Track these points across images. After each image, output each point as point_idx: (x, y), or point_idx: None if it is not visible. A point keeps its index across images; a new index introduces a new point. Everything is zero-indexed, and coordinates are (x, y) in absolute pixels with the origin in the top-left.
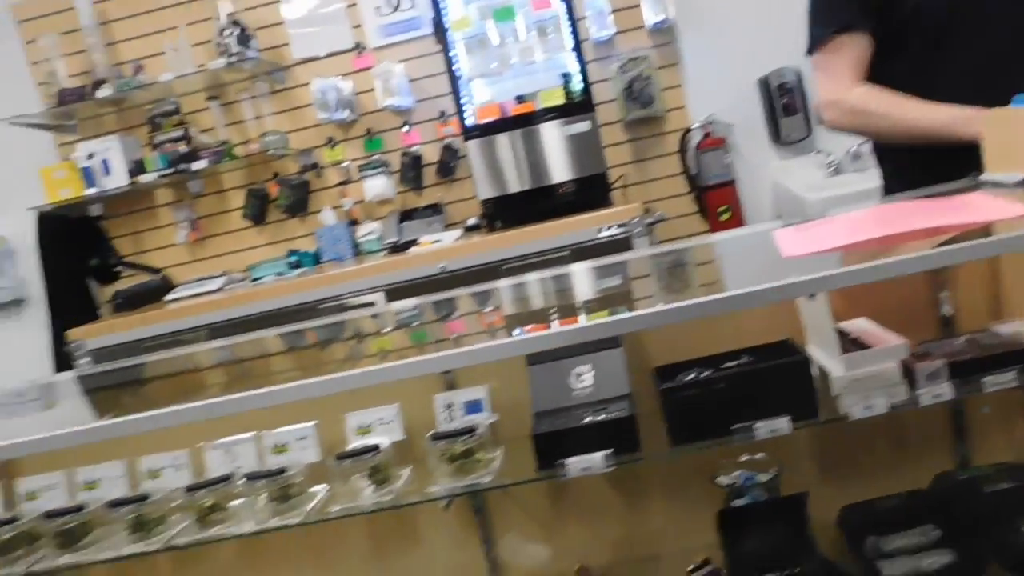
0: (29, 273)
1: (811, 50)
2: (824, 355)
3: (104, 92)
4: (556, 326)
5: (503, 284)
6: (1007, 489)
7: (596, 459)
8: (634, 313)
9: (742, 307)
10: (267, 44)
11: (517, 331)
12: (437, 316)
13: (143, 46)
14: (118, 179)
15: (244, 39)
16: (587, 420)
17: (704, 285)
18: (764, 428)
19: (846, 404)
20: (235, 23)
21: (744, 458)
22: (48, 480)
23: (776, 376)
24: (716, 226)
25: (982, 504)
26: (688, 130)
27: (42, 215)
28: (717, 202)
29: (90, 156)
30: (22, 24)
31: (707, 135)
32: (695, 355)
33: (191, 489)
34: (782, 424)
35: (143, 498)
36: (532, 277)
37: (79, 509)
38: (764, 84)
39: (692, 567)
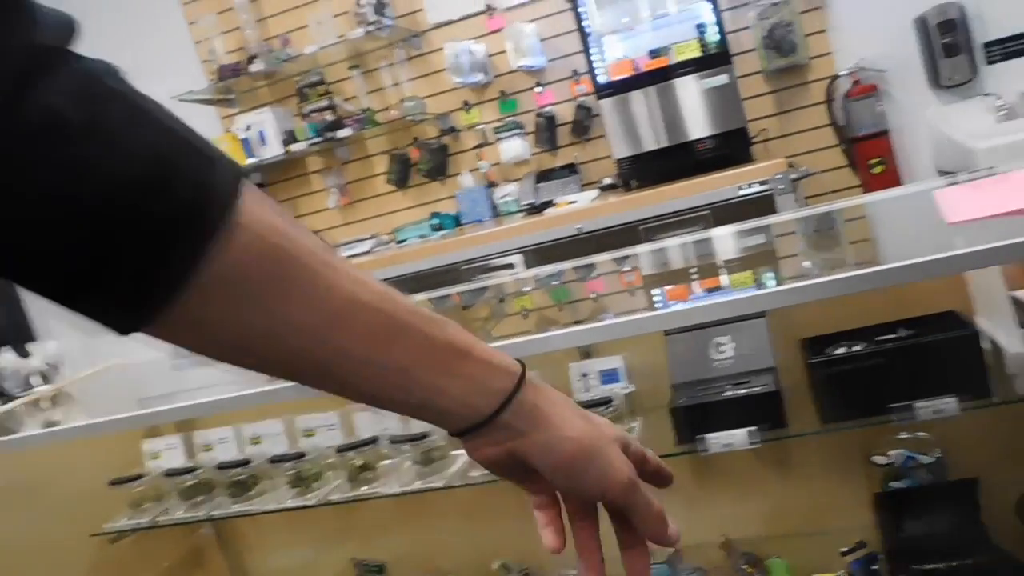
0: None
1: None
2: (997, 328)
3: (257, 66)
4: (697, 293)
5: (641, 249)
6: None
7: (740, 435)
8: (785, 287)
9: (907, 280)
10: (402, 11)
11: (657, 296)
12: (575, 279)
13: (289, 20)
14: (273, 149)
15: (380, 7)
16: (729, 394)
17: (855, 244)
18: (927, 408)
19: None
20: None
21: (903, 436)
22: (220, 434)
23: (941, 351)
24: (868, 180)
25: None
26: (835, 78)
27: None
28: (869, 154)
29: (248, 128)
30: (186, 6)
31: (856, 82)
32: (845, 326)
33: (342, 449)
34: (948, 404)
35: (301, 455)
36: (671, 241)
37: (247, 463)
38: (921, 23)
39: (845, 549)
